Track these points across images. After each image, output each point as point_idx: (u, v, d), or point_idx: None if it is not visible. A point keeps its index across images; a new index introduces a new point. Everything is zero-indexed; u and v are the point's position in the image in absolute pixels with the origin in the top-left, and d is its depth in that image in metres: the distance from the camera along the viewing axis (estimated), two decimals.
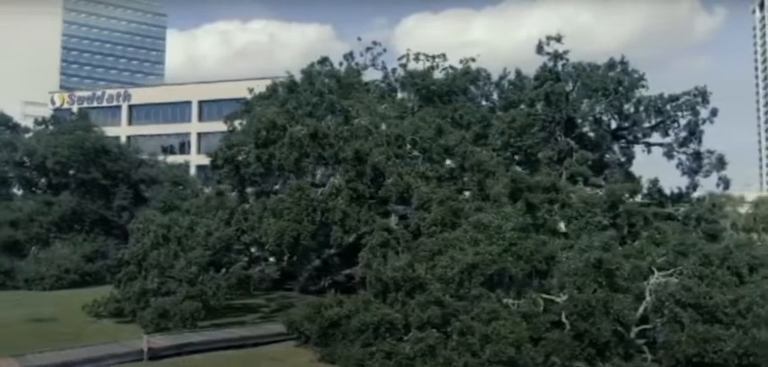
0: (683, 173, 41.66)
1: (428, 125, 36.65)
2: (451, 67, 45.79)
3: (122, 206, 53.92)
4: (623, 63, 40.37)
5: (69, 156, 53.41)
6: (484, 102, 45.26)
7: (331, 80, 42.48)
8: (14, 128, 60.60)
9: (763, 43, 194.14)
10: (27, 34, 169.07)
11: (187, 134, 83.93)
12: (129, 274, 34.59)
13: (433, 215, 29.85)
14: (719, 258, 27.54)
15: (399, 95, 45.96)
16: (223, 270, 34.12)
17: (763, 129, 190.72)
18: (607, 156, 42.53)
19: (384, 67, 47.07)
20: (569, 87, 39.70)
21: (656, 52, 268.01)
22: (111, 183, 54.84)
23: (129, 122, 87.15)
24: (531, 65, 41.84)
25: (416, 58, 46.15)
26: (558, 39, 39.57)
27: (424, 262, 26.83)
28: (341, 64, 45.52)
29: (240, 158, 38.81)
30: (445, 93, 44.27)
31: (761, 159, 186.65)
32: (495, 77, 45.00)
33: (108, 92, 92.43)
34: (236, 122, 44.42)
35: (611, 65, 40.30)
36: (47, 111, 77.77)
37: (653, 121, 41.36)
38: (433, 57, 46.10)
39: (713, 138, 41.66)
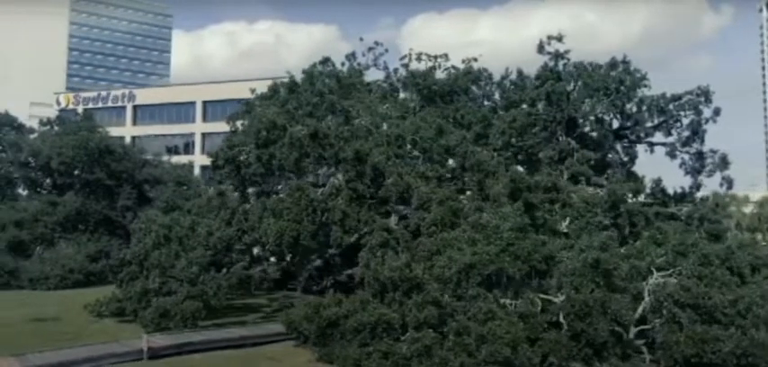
0: (686, 172, 41.51)
1: (429, 125, 36.63)
2: (454, 66, 45.80)
3: (126, 206, 54.14)
4: (625, 62, 40.24)
5: (74, 157, 53.67)
6: (486, 102, 45.16)
7: (331, 80, 42.53)
8: (19, 128, 61.05)
9: None
10: (33, 35, 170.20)
11: (191, 134, 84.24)
12: (131, 274, 34.76)
13: (433, 215, 29.82)
14: (720, 258, 27.44)
15: (401, 95, 45.96)
16: (224, 270, 34.27)
17: None
18: (610, 155, 42.41)
19: (386, 67, 47.15)
20: (570, 87, 39.60)
21: (663, 51, 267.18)
22: (115, 183, 55.04)
23: (134, 123, 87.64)
24: (537, 64, 41.80)
25: (418, 58, 46.21)
26: (559, 38, 39.50)
27: (422, 262, 26.83)
28: (343, 64, 45.71)
29: (241, 159, 38.91)
30: (447, 93, 44.18)
31: (767, 159, 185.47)
32: (496, 77, 44.97)
33: (113, 92, 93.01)
34: (238, 123, 44.55)
35: (612, 64, 40.18)
36: (52, 112, 78.28)
37: (655, 121, 41.18)
38: (436, 57, 46.12)
39: (719, 138, 41.43)
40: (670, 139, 41.10)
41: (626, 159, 42.73)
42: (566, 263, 25.73)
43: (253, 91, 47.09)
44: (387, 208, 33.77)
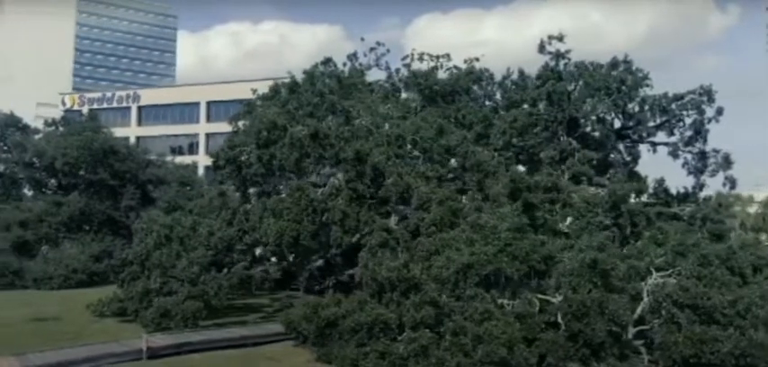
0: (689, 172, 41.44)
1: (429, 125, 36.61)
2: (455, 66, 45.82)
3: (130, 206, 54.38)
4: (626, 62, 40.20)
5: (78, 157, 53.95)
6: (487, 102, 45.14)
7: (332, 80, 42.57)
8: (24, 129, 61.39)
9: None
10: (39, 36, 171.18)
11: (195, 135, 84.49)
12: (132, 274, 34.92)
13: (432, 215, 29.81)
14: (721, 259, 27.35)
15: (403, 95, 45.98)
16: (225, 270, 34.37)
17: None
18: (612, 155, 42.35)
19: (388, 68, 47.22)
20: (571, 87, 39.55)
21: (668, 51, 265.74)
22: (118, 183, 55.33)
23: (139, 123, 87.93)
24: (540, 64, 41.78)
25: (421, 59, 46.24)
26: (560, 38, 39.46)
27: (421, 262, 26.83)
28: (345, 64, 45.76)
29: (242, 159, 39.00)
30: (448, 93, 44.19)
31: None
32: (498, 77, 44.96)
33: (117, 93, 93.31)
34: (240, 123, 44.66)
35: (614, 64, 40.14)
36: (58, 113, 78.65)
37: (658, 120, 41.14)
38: (437, 57, 46.18)
39: (724, 138, 41.21)
40: (672, 139, 41.20)
41: (629, 159, 42.65)
42: (564, 263, 25.68)
43: (254, 91, 47.22)
44: (387, 208, 33.76)
